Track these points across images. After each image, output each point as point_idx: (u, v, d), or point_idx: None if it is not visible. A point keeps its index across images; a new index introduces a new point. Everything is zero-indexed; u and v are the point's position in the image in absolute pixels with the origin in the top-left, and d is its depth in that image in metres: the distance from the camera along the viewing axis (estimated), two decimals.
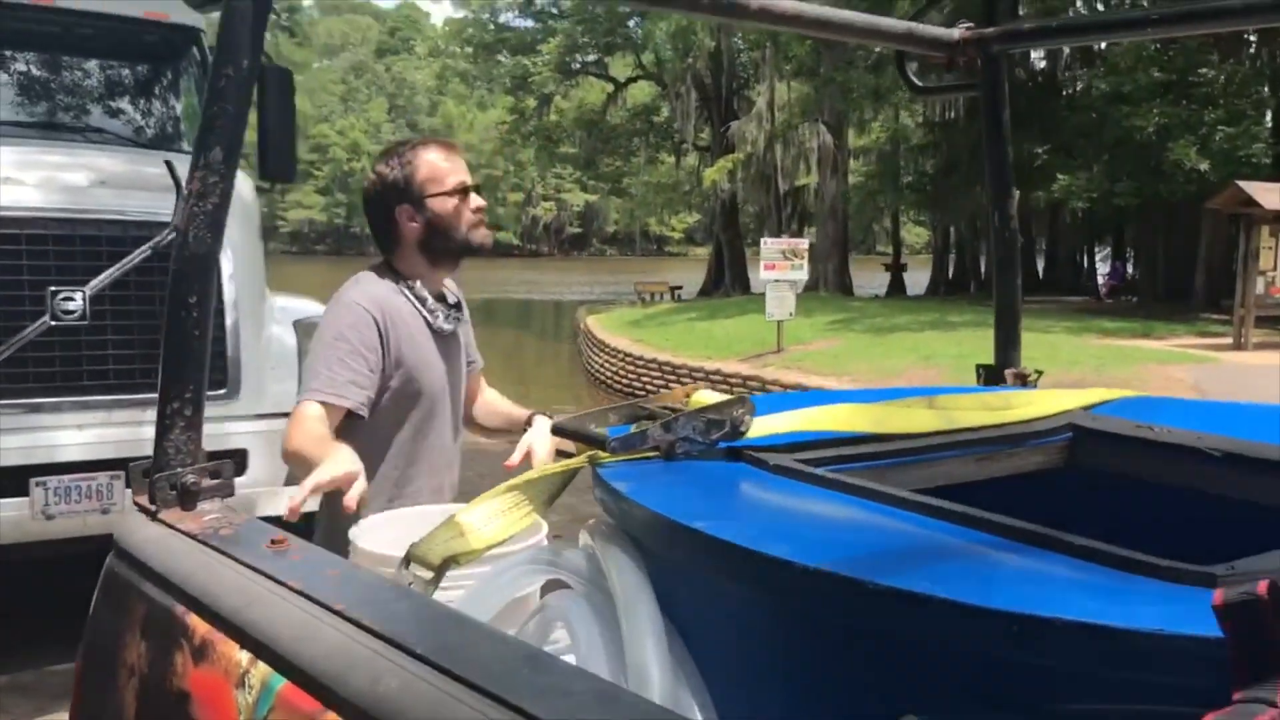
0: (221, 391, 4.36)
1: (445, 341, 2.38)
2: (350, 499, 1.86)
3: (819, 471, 1.32)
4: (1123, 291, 27.49)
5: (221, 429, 4.26)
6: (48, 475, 4.16)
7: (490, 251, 2.47)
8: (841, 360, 14.16)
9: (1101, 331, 17.15)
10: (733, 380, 14.41)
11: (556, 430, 1.38)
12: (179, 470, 1.34)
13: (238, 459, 4.28)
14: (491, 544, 1.26)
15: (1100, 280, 30.53)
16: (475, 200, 2.34)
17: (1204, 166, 19.13)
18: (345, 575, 1.14)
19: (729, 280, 32.81)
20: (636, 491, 1.15)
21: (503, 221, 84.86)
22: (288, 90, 5.14)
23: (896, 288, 31.48)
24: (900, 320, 18.49)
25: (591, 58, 36.87)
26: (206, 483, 1.36)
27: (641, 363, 17.17)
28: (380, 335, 2.22)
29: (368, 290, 2.28)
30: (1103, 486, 1.69)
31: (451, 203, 2.29)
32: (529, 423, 2.47)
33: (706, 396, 1.41)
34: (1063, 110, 23.81)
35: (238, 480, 4.38)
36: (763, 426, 1.45)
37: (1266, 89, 24.64)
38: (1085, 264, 34.39)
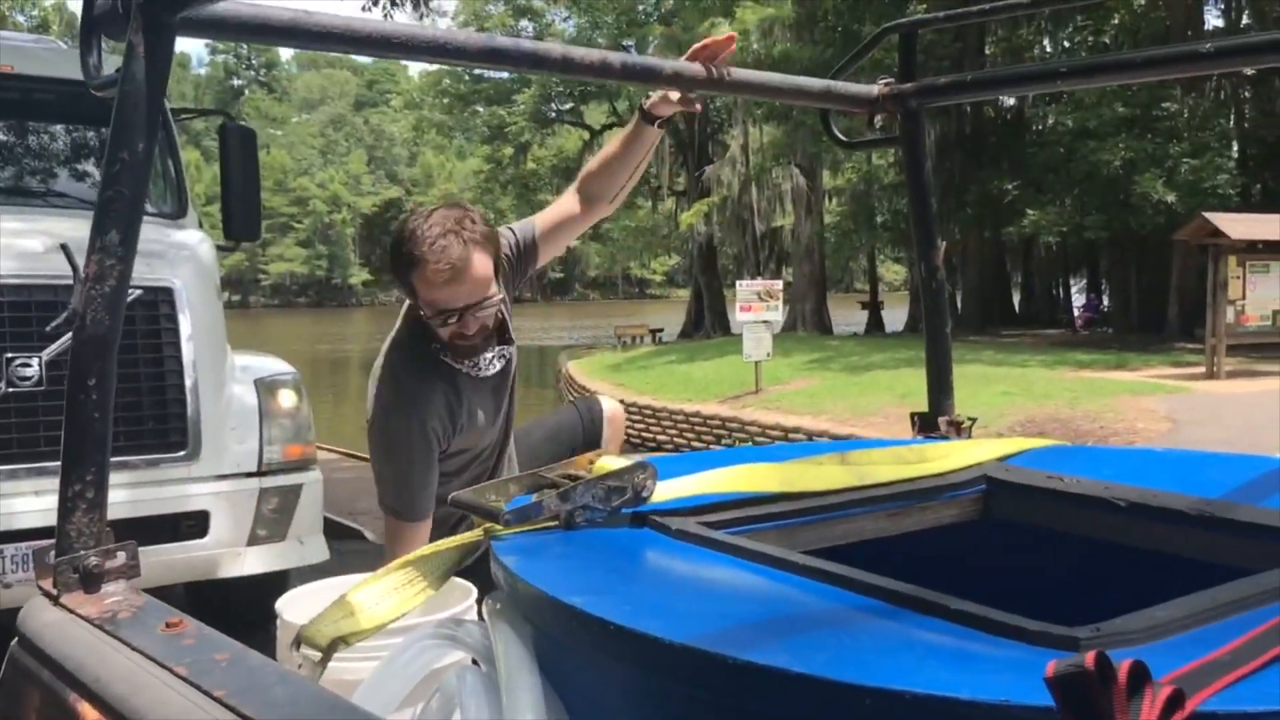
0: (181, 453, 4.34)
1: (491, 377, 2.51)
2: None
3: (719, 536, 1.33)
4: (1098, 323, 27.66)
5: (182, 490, 4.23)
6: (6, 543, 4.13)
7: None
8: (819, 399, 14.19)
9: (1076, 364, 17.24)
10: (712, 422, 14.42)
11: (454, 502, 1.39)
12: (81, 553, 1.34)
13: (198, 520, 4.25)
14: (382, 623, 1.26)
15: (1075, 313, 30.72)
16: (461, 324, 2.33)
17: (1171, 199, 19.37)
18: (234, 659, 1.14)
19: (709, 322, 32.92)
20: (524, 566, 1.16)
21: None
22: (251, 149, 5.16)
23: (874, 325, 31.62)
24: (876, 358, 18.56)
25: (566, 106, 37.21)
26: (110, 564, 1.36)
27: (622, 408, 17.15)
28: (438, 443, 2.40)
29: (410, 396, 2.38)
30: (1017, 538, 1.70)
31: (436, 324, 2.34)
32: (643, 112, 2.41)
33: (609, 463, 1.42)
34: (1031, 146, 24.12)
35: (198, 542, 4.35)
36: (668, 490, 1.46)
37: (1230, 121, 25.01)
38: (1060, 297, 34.62)
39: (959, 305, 28.41)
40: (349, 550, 5.83)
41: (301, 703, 1.02)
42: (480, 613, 1.31)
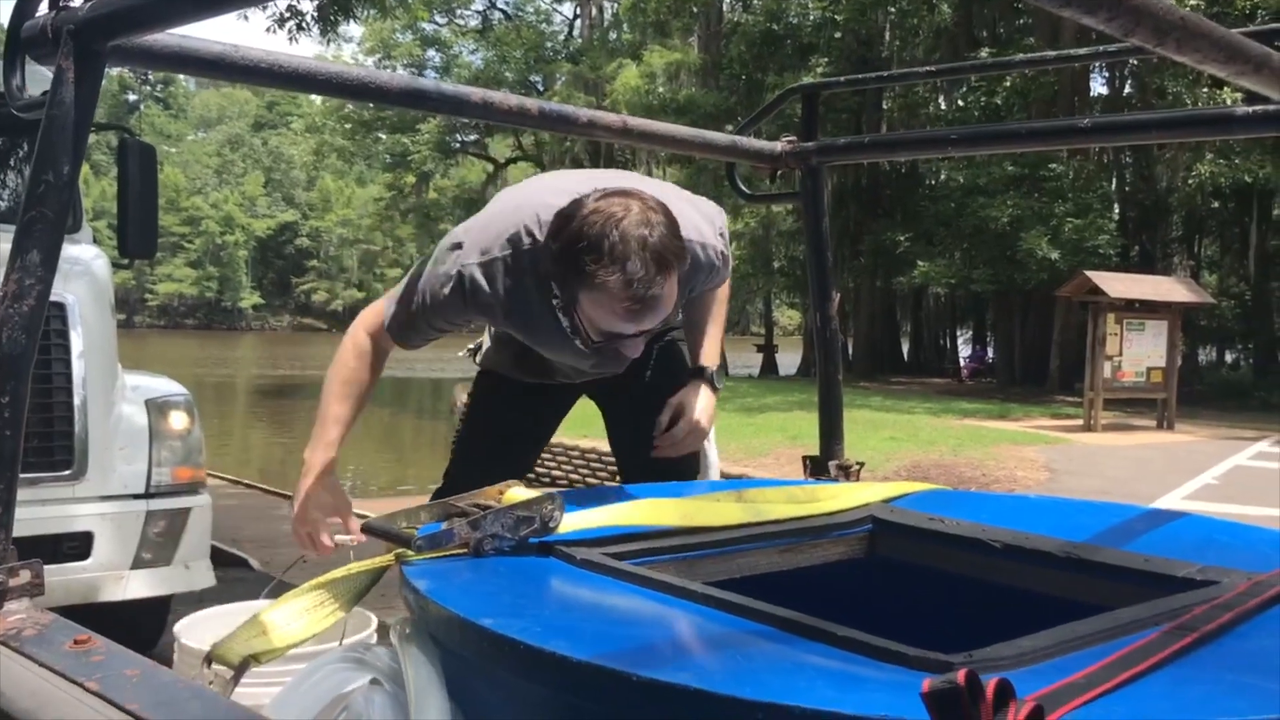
0: (67, 472, 4.23)
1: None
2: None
3: (623, 565, 1.40)
4: (983, 374, 28.52)
5: (65, 510, 4.13)
6: None
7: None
8: (715, 439, 14.33)
9: (961, 412, 17.76)
10: (607, 458, 14.47)
11: (366, 529, 1.42)
12: None
13: (81, 542, 4.15)
14: (294, 643, 1.29)
15: (961, 363, 31.63)
16: (621, 343, 1.85)
17: (1055, 256, 20.16)
18: (145, 675, 1.16)
19: None
20: (434, 589, 1.21)
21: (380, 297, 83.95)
22: (150, 166, 5.07)
23: (769, 368, 32.11)
24: (770, 400, 18.87)
25: (471, 138, 37.18)
26: (14, 582, 1.36)
27: None
28: (470, 315, 2.13)
29: (474, 286, 2.00)
30: (901, 575, 1.80)
31: (588, 332, 1.82)
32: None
33: (519, 494, 1.47)
34: (924, 200, 24.90)
35: (80, 564, 4.24)
36: (575, 522, 1.52)
37: (1112, 184, 26.15)
38: (948, 347, 35.61)
39: (850, 352, 29.04)
40: (234, 578, 5.73)
41: (216, 717, 1.05)
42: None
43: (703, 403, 2.17)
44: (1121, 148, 26.00)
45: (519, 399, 2.43)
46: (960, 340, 36.23)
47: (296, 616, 1.29)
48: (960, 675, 0.84)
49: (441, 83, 1.96)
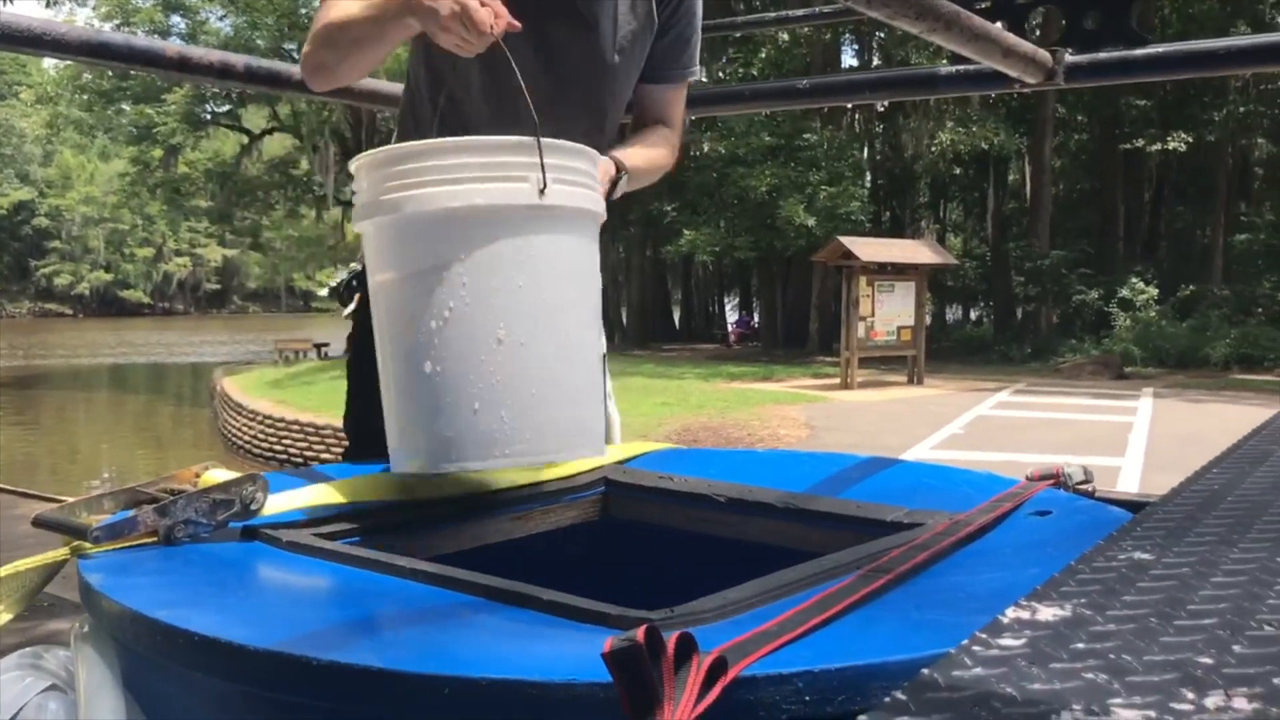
0: None
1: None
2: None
3: (331, 545, 1.33)
4: (749, 338, 29.51)
5: None
6: None
7: None
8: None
9: (729, 376, 18.31)
10: None
11: (37, 522, 1.30)
12: None
13: None
14: None
15: (729, 328, 32.61)
16: None
17: (811, 223, 21.01)
18: None
19: None
20: (108, 583, 1.11)
21: (131, 279, 79.22)
22: None
23: None
24: None
25: (223, 108, 35.39)
26: None
27: (283, 425, 16.48)
28: None
29: None
30: (635, 536, 1.80)
31: None
32: None
33: (217, 476, 1.38)
34: (689, 170, 25.42)
35: None
36: (283, 502, 1.43)
37: (864, 153, 27.42)
38: (716, 313, 36.63)
39: (623, 320, 29.42)
40: None
41: None
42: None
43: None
44: (872, 118, 27.34)
45: None
46: (728, 307, 37.36)
47: None
48: (640, 633, 0.82)
49: (131, 36, 1.81)
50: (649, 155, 1.97)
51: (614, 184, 1.85)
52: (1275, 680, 0.60)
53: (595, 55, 1.88)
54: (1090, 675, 0.61)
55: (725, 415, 12.98)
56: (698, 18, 1.93)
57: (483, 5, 1.50)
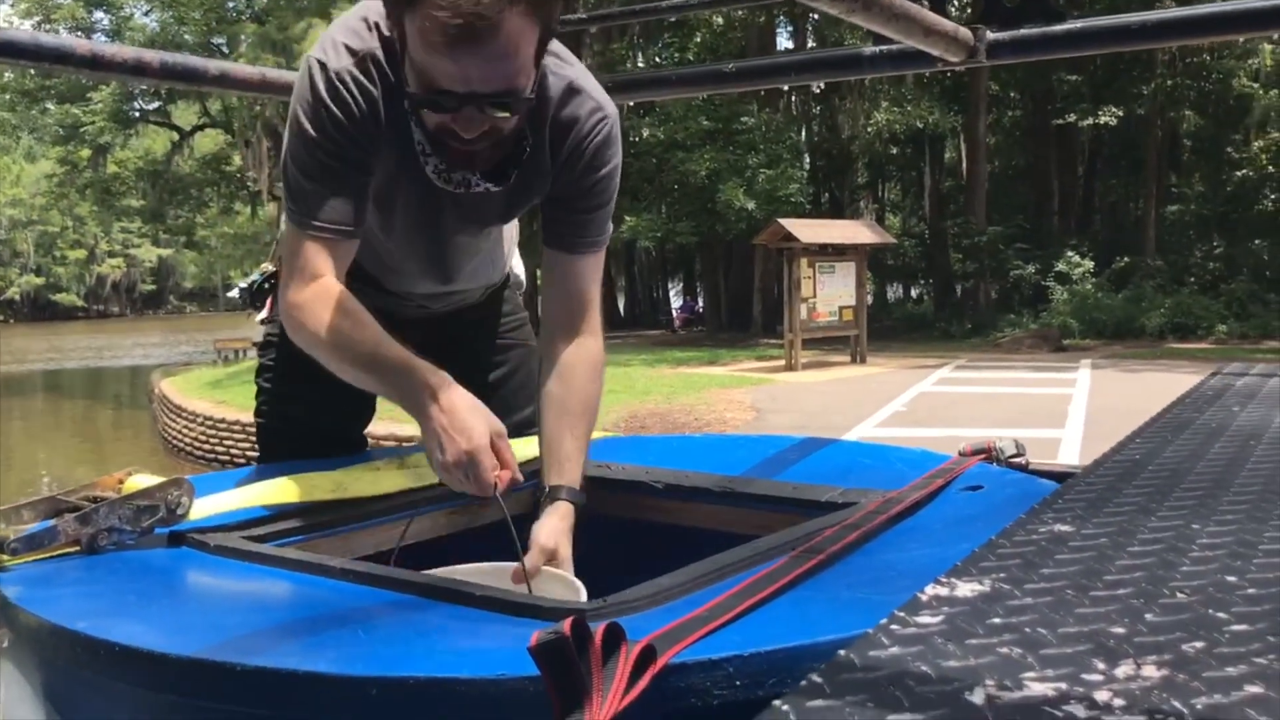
0: None
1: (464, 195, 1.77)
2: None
3: (262, 548, 1.31)
4: (694, 323, 29.58)
5: None
6: None
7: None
8: None
9: (675, 361, 18.35)
10: None
11: None
12: None
13: None
14: None
15: (674, 314, 32.66)
16: (459, 120, 1.45)
17: (751, 206, 21.08)
18: None
19: None
20: (26, 596, 1.08)
21: (64, 282, 77.62)
22: None
23: None
24: None
25: (152, 105, 34.73)
26: None
27: (224, 425, 16.23)
28: (363, 156, 1.67)
29: (338, 106, 1.59)
30: (576, 525, 1.79)
31: (424, 105, 1.47)
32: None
33: (141, 481, 1.35)
34: (629, 156, 25.39)
35: None
36: (210, 506, 1.41)
37: (801, 135, 27.55)
38: (660, 299, 36.68)
39: None
40: None
41: None
42: None
43: (567, 540, 1.56)
44: (809, 100, 27.48)
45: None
46: (672, 292, 37.41)
47: None
48: (566, 624, 0.82)
49: (39, 34, 1.76)
50: (592, 422, 1.72)
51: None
52: (1184, 647, 0.61)
53: (476, 227, 1.80)
54: (1005, 650, 0.61)
55: (672, 401, 13.00)
56: (611, 185, 1.74)
57: (496, 468, 1.37)
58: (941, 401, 12.53)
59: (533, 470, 1.81)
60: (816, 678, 0.58)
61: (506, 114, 1.44)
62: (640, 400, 12.95)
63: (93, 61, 1.71)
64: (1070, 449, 9.09)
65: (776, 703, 0.55)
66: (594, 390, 1.71)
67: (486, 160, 1.57)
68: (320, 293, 1.50)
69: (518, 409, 2.00)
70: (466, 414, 1.37)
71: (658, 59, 27.57)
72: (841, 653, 0.62)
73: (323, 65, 1.52)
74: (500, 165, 1.62)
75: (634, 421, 11.66)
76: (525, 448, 1.87)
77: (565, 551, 1.52)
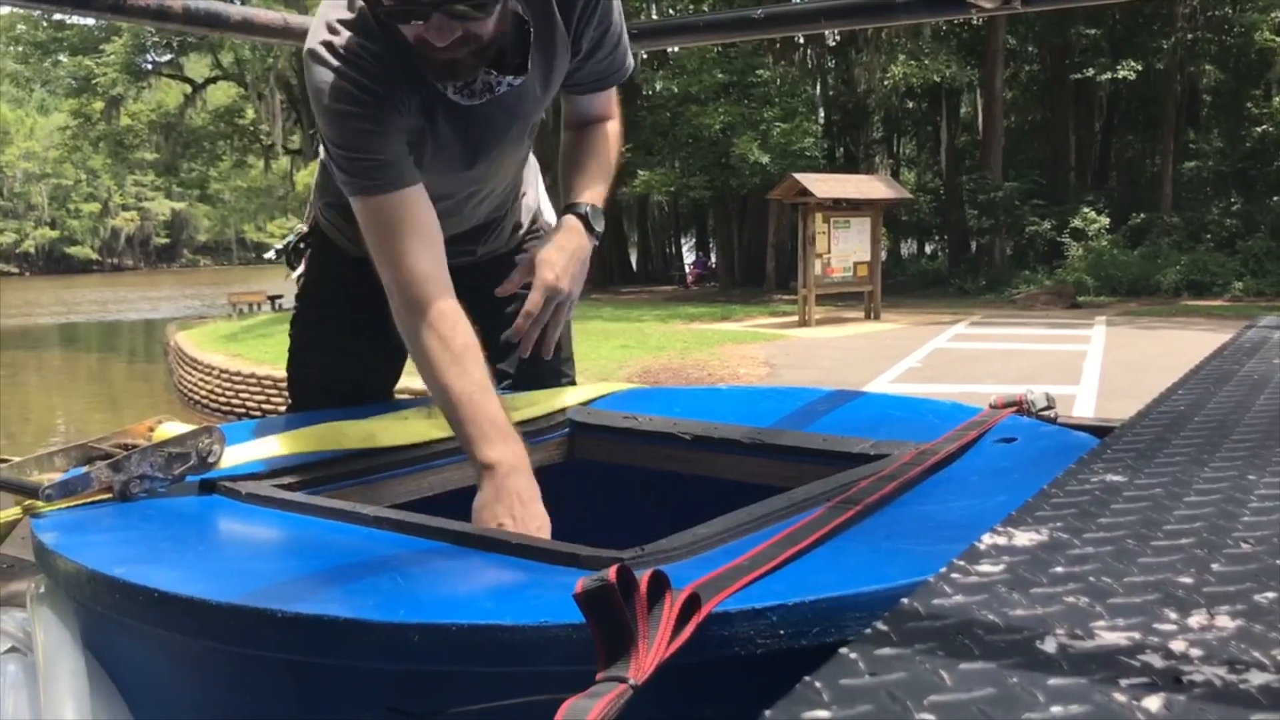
0: None
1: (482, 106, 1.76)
2: None
3: (292, 496, 1.30)
4: (707, 279, 29.47)
5: None
6: None
7: None
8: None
9: (687, 317, 18.30)
10: None
11: None
12: None
13: None
14: None
15: (687, 269, 32.55)
16: (431, 28, 1.43)
17: (765, 160, 20.90)
18: None
19: None
20: (63, 541, 1.08)
21: (78, 235, 77.69)
22: None
23: None
24: None
25: (165, 58, 34.53)
26: None
27: (239, 378, 16.30)
28: (400, 119, 1.67)
29: (359, 80, 1.59)
30: (602, 476, 1.79)
31: (396, 20, 1.44)
32: None
33: (171, 430, 1.34)
34: (642, 110, 25.19)
35: None
36: (240, 455, 1.40)
37: (816, 88, 27.27)
38: (673, 254, 36.53)
39: None
40: None
41: None
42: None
43: (562, 256, 1.63)
44: (824, 52, 27.18)
45: (355, 307, 1.90)
46: (685, 248, 37.25)
47: None
48: (611, 572, 0.81)
49: None
50: (605, 169, 1.80)
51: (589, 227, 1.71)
52: (1256, 597, 0.60)
53: (522, 123, 1.77)
54: (1071, 599, 0.60)
55: (685, 356, 12.98)
56: (617, 26, 1.73)
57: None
58: (956, 358, 12.49)
59: (556, 421, 1.80)
60: (882, 625, 0.57)
61: (479, 15, 1.42)
62: (654, 356, 12.94)
63: (115, 6, 1.69)
64: (1085, 405, 9.07)
65: (844, 650, 0.54)
66: (610, 154, 1.82)
67: (470, 69, 1.54)
68: (436, 317, 1.47)
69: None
70: (537, 505, 1.40)
71: (671, 10, 27.28)
72: (905, 600, 0.61)
73: (324, 45, 1.53)
74: (511, 56, 1.59)
75: (647, 377, 11.65)
76: (553, 398, 1.87)
77: (548, 266, 1.62)
